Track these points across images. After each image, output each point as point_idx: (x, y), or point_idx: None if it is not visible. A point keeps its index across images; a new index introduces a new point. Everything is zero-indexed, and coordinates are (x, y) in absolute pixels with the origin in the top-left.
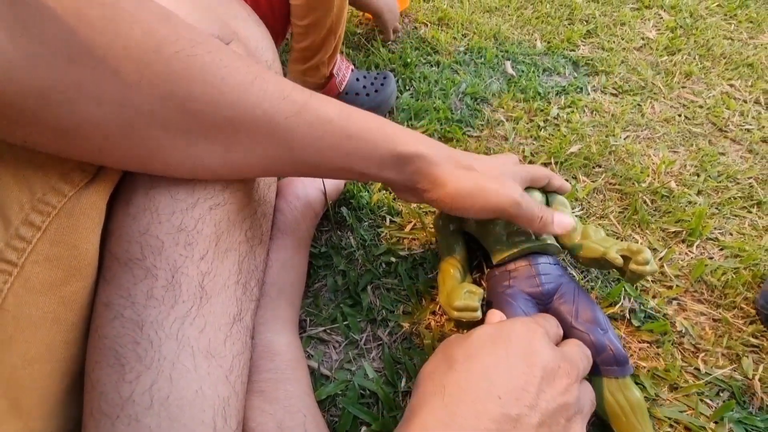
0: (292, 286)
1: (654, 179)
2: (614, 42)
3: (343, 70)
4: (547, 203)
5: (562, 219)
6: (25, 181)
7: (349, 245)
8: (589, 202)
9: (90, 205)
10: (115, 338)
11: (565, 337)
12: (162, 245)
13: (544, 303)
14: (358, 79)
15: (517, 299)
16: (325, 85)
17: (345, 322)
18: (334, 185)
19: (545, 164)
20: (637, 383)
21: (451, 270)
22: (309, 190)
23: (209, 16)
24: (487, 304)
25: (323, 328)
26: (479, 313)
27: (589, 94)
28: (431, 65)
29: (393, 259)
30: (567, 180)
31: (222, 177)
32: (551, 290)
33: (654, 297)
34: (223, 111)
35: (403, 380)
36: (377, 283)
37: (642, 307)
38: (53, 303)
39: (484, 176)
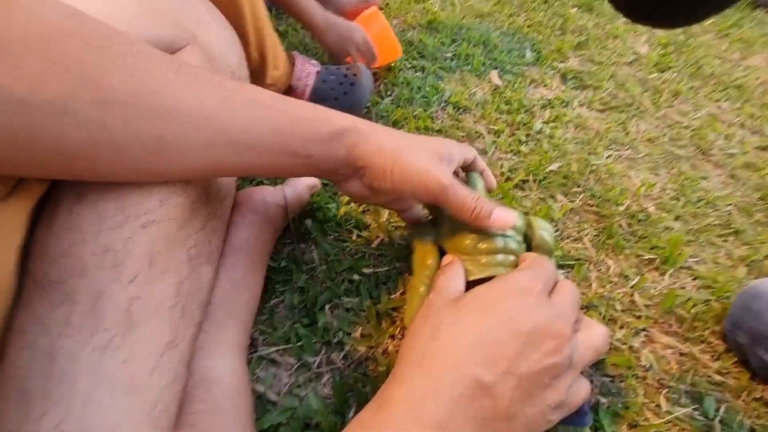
0: (242, 308)
1: (633, 202)
2: (605, 56)
3: (304, 78)
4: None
5: (501, 214)
6: None
7: (311, 260)
8: (564, 223)
9: (5, 223)
10: (24, 369)
11: None
12: (85, 267)
13: None
14: (325, 81)
15: None
16: None
17: (299, 343)
18: (296, 197)
19: (524, 181)
20: (595, 420)
21: (420, 287)
22: (269, 204)
23: (159, 19)
24: None
25: (276, 349)
26: None
27: (574, 109)
28: (416, 70)
29: (356, 277)
30: (544, 199)
31: (160, 177)
32: None
33: (622, 327)
34: (147, 100)
35: (353, 410)
36: (337, 302)
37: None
38: None
39: (418, 150)
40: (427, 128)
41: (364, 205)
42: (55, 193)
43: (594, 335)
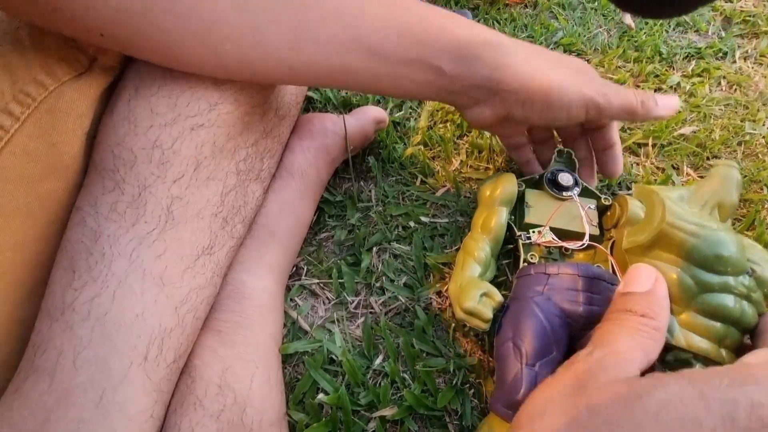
0: (288, 232)
1: None
2: None
3: None
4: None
5: (664, 98)
6: (7, 69)
7: (368, 198)
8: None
9: (71, 104)
10: (74, 243)
11: None
12: (135, 159)
13: (578, 327)
14: None
15: (545, 312)
16: None
17: (340, 280)
18: (359, 129)
19: (639, 145)
20: None
21: (474, 253)
22: (328, 131)
23: None
24: (505, 309)
25: (318, 281)
26: (488, 326)
27: (734, 62)
28: (526, 5)
29: (412, 224)
30: (663, 169)
31: (288, 73)
32: (594, 314)
33: None
34: None
35: (379, 357)
36: (385, 246)
37: None
38: (28, 197)
39: (565, 68)
40: None
41: (435, 149)
42: (120, 86)
43: None
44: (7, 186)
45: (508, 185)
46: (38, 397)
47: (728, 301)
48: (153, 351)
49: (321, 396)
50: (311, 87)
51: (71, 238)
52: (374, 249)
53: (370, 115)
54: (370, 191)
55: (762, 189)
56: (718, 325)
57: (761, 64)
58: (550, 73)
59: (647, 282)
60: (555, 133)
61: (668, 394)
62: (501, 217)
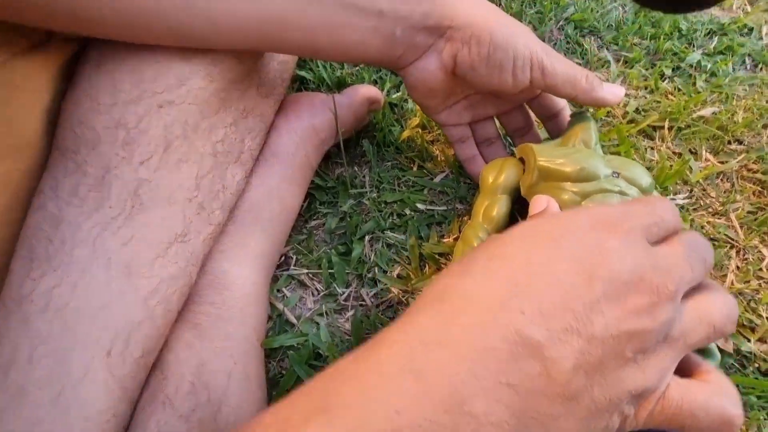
0: (273, 218)
1: None
2: None
3: None
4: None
5: (611, 85)
6: None
7: (362, 184)
8: (704, 190)
9: (27, 78)
10: (33, 230)
11: None
12: (98, 139)
13: None
14: None
15: None
16: None
17: (330, 271)
18: (350, 109)
19: (655, 128)
20: None
21: (474, 243)
22: (316, 110)
23: None
24: None
25: (307, 271)
26: None
27: (761, 38)
28: None
29: (407, 212)
30: (680, 154)
31: (201, 37)
32: None
33: (762, 341)
34: None
35: None
36: (379, 235)
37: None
38: None
39: (509, 19)
40: None
41: (434, 133)
42: (81, 61)
43: (713, 304)
44: None
45: (512, 171)
46: None
47: (611, 199)
48: (118, 345)
49: None
50: (247, 49)
51: (31, 223)
52: (366, 238)
53: (362, 94)
54: (364, 177)
55: None
56: None
57: None
58: (497, 15)
59: (543, 204)
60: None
61: None
62: (503, 205)
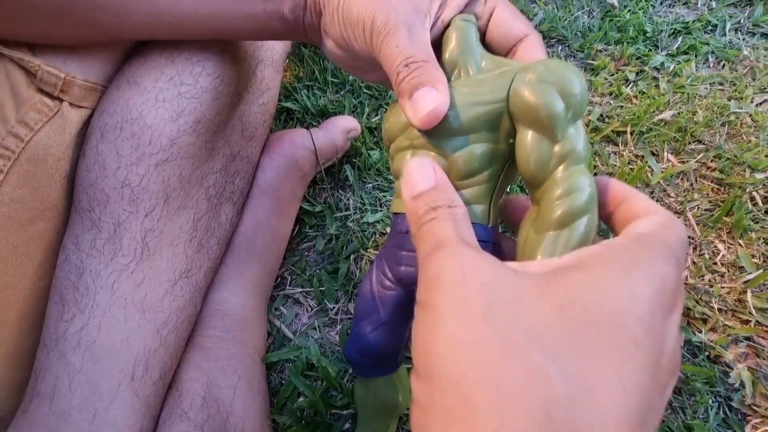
0: (265, 249)
1: None
2: None
3: None
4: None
5: (431, 96)
6: None
7: (346, 207)
8: (664, 190)
9: (47, 151)
10: (62, 279)
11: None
12: (108, 199)
13: (403, 288)
14: None
15: (375, 270)
16: None
17: (321, 288)
18: (329, 142)
19: (618, 133)
20: None
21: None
22: (296, 147)
23: None
24: None
25: (301, 290)
26: None
27: (724, 35)
28: None
29: (388, 229)
30: (642, 157)
31: (114, 27)
32: (407, 278)
33: (713, 330)
34: None
35: None
36: (362, 253)
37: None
38: (22, 239)
39: None
40: None
41: None
42: (89, 131)
43: None
44: (0, 232)
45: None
46: (41, 419)
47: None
48: (139, 371)
49: (301, 400)
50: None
51: (59, 274)
52: (351, 257)
53: (339, 126)
54: (348, 200)
55: (744, 171)
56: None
57: (753, 34)
58: None
59: (428, 175)
60: None
61: None
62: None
